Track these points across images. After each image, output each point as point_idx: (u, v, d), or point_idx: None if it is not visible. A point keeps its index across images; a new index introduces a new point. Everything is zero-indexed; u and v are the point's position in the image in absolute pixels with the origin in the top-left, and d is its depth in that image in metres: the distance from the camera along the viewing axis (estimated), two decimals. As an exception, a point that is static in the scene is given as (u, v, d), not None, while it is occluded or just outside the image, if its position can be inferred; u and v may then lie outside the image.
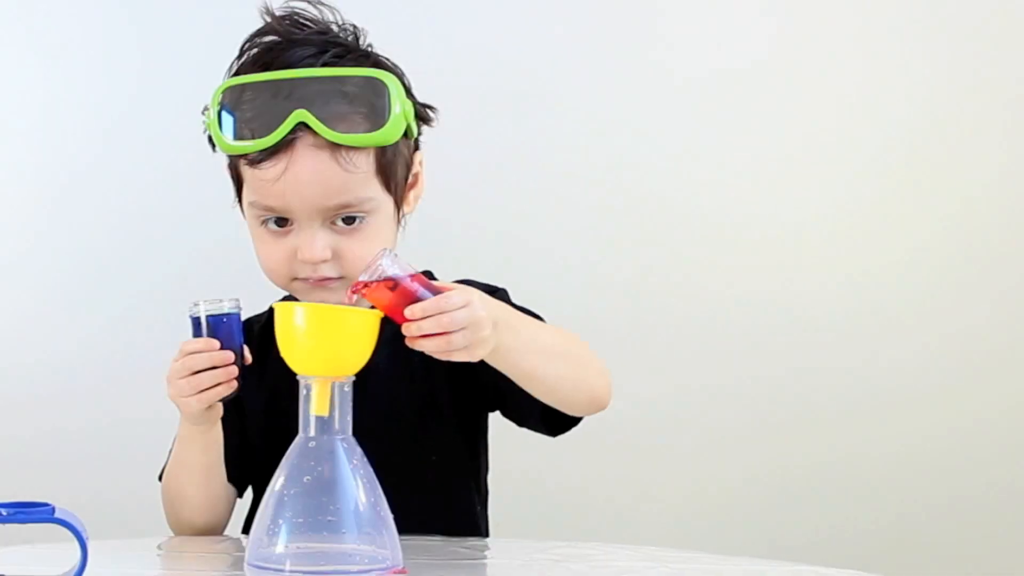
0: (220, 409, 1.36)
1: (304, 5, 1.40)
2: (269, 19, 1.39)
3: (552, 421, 1.40)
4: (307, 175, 1.32)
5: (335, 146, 1.32)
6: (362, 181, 1.34)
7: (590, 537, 1.49)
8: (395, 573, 1.15)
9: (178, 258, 2.22)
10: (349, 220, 1.35)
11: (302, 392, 1.17)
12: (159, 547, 1.41)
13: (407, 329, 1.18)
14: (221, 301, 1.32)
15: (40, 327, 2.24)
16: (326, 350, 1.16)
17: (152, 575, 1.32)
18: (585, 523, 2.31)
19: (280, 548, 1.14)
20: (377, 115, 1.32)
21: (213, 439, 1.40)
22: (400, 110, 1.32)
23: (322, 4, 1.41)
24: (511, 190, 2.30)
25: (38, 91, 2.25)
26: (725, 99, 2.36)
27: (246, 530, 1.48)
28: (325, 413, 1.15)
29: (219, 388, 1.31)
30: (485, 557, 1.37)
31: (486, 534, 1.53)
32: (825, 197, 2.40)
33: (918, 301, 2.42)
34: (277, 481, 1.16)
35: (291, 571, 1.13)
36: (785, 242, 2.39)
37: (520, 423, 1.46)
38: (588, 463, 2.35)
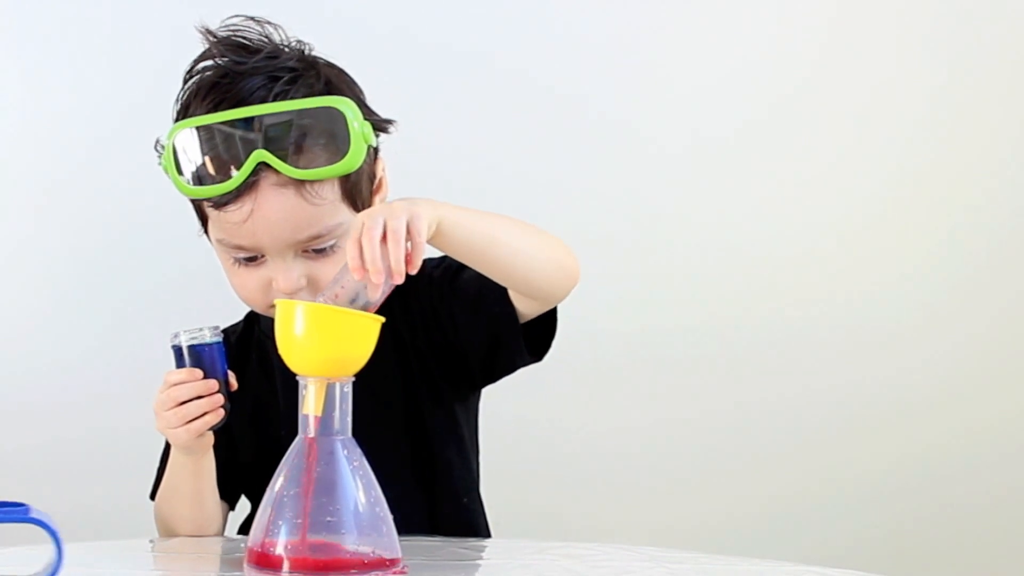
0: (211, 438, 1.35)
1: (243, 21, 1.37)
2: (210, 39, 1.36)
3: (535, 339, 1.39)
4: (274, 214, 1.31)
5: (299, 182, 1.30)
6: (330, 210, 1.33)
7: (590, 537, 1.48)
8: (395, 573, 1.15)
9: (172, 266, 2.21)
10: (321, 251, 1.34)
11: (302, 392, 1.17)
12: (156, 548, 1.41)
13: (375, 276, 1.15)
14: (202, 330, 1.31)
15: (38, 333, 2.23)
16: (326, 350, 1.16)
17: (152, 575, 1.32)
18: (585, 523, 2.31)
19: (279, 548, 1.14)
20: (338, 144, 1.29)
21: (205, 467, 1.39)
22: (360, 131, 1.29)
23: (265, 21, 1.37)
24: (508, 192, 2.30)
25: (24, 100, 2.25)
26: (727, 111, 2.36)
27: (244, 530, 1.48)
28: (318, 413, 1.15)
29: (206, 418, 1.30)
30: (485, 557, 1.37)
31: (486, 532, 1.53)
32: (828, 208, 2.40)
33: (920, 311, 2.43)
34: (277, 481, 1.16)
35: (290, 571, 1.13)
36: (789, 253, 2.39)
37: (511, 364, 1.43)
38: (588, 463, 2.35)
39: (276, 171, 1.29)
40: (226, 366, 1.32)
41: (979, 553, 2.43)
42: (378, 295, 1.18)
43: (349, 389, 1.17)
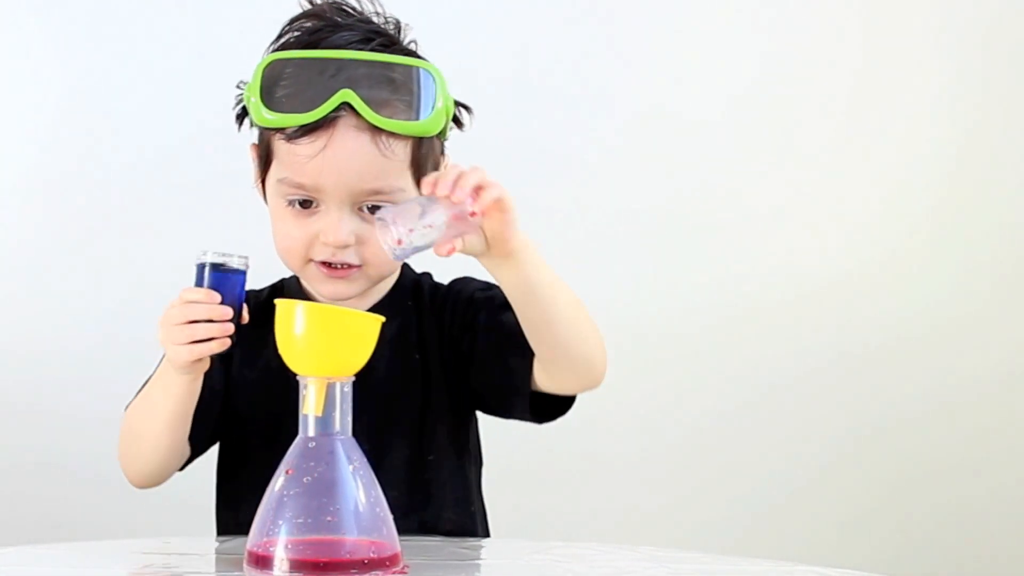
0: (207, 363, 1.32)
1: None
2: (314, 1, 1.38)
3: (540, 406, 1.39)
4: (345, 155, 1.31)
5: (376, 130, 1.31)
6: (397, 170, 1.34)
7: (590, 537, 1.49)
8: (395, 573, 1.15)
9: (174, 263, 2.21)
10: (376, 208, 1.33)
11: (302, 392, 1.17)
12: (155, 548, 1.41)
13: (442, 187, 1.19)
14: (231, 255, 1.28)
15: (38, 333, 2.23)
16: (326, 350, 1.16)
17: (152, 575, 1.32)
18: (585, 523, 2.31)
19: (280, 548, 1.14)
20: (421, 105, 1.31)
21: (192, 391, 1.35)
22: (442, 104, 1.32)
23: (371, 1, 1.40)
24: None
25: (37, 79, 2.25)
26: (743, 116, 2.38)
27: (243, 529, 1.47)
28: (319, 413, 1.15)
29: (212, 343, 1.26)
30: (484, 557, 1.37)
31: (485, 533, 1.53)
32: (839, 215, 2.42)
33: (916, 324, 2.44)
34: (277, 481, 1.17)
35: (290, 572, 1.13)
36: (791, 255, 2.40)
37: (509, 415, 1.44)
38: (587, 463, 2.35)
39: (356, 114, 1.30)
40: (243, 297, 1.28)
41: (979, 554, 2.43)
42: (443, 222, 1.20)
43: (349, 389, 1.17)
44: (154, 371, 1.42)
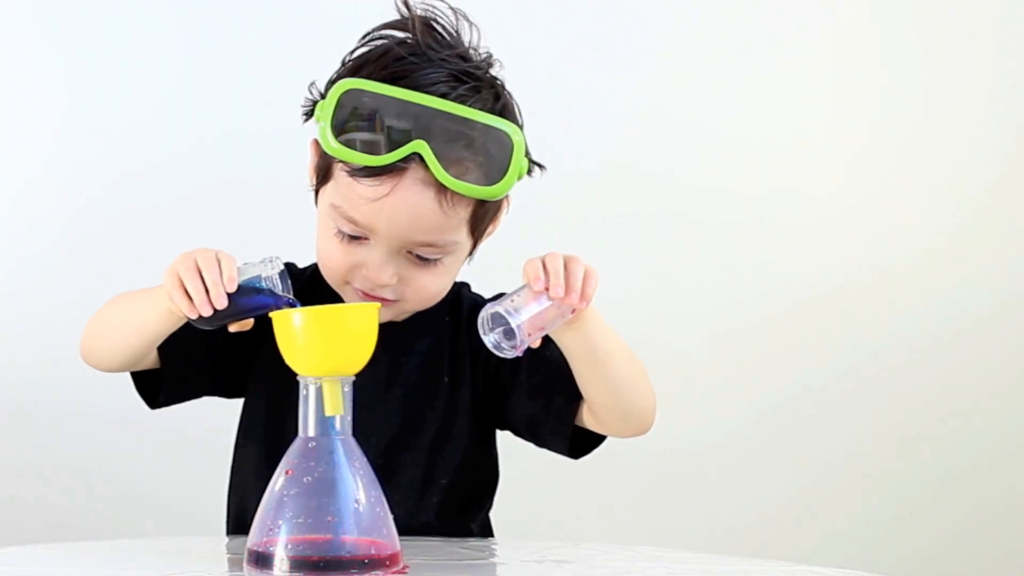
0: (179, 312, 1.25)
1: (446, 7, 1.34)
2: (406, 13, 1.33)
3: (577, 443, 1.40)
4: (406, 207, 1.28)
5: (442, 187, 1.27)
6: (454, 226, 1.31)
7: (590, 537, 1.48)
8: (395, 573, 1.15)
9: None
10: (427, 256, 1.32)
11: (302, 392, 1.17)
12: (156, 548, 1.41)
13: (555, 289, 1.18)
14: (284, 288, 1.23)
15: (37, 332, 2.23)
16: (331, 350, 1.16)
17: (152, 575, 1.32)
18: (585, 523, 2.31)
19: (280, 548, 1.14)
20: (494, 169, 1.27)
21: (169, 320, 1.29)
22: (517, 165, 1.28)
23: (463, 15, 1.35)
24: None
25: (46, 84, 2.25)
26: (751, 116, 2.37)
27: (240, 530, 1.47)
28: (340, 412, 1.15)
29: (186, 301, 1.21)
30: (486, 557, 1.37)
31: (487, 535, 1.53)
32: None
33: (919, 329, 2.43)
34: (277, 481, 1.17)
35: (290, 571, 1.13)
36: (788, 250, 2.40)
37: (540, 445, 1.44)
38: (588, 463, 2.34)
39: (425, 167, 1.26)
40: (247, 316, 1.24)
41: (979, 554, 2.43)
42: (556, 314, 1.21)
43: (349, 389, 1.17)
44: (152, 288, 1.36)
